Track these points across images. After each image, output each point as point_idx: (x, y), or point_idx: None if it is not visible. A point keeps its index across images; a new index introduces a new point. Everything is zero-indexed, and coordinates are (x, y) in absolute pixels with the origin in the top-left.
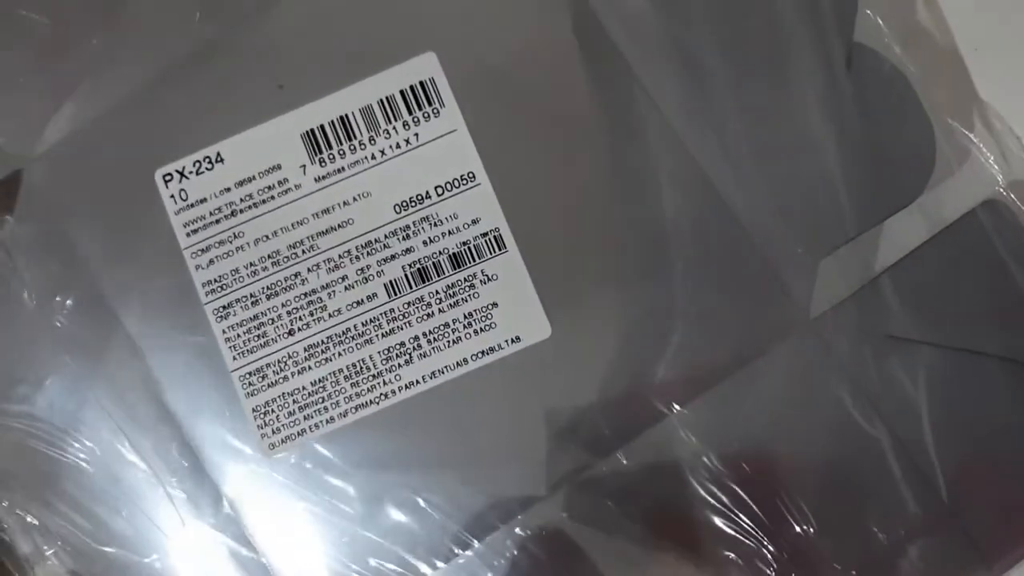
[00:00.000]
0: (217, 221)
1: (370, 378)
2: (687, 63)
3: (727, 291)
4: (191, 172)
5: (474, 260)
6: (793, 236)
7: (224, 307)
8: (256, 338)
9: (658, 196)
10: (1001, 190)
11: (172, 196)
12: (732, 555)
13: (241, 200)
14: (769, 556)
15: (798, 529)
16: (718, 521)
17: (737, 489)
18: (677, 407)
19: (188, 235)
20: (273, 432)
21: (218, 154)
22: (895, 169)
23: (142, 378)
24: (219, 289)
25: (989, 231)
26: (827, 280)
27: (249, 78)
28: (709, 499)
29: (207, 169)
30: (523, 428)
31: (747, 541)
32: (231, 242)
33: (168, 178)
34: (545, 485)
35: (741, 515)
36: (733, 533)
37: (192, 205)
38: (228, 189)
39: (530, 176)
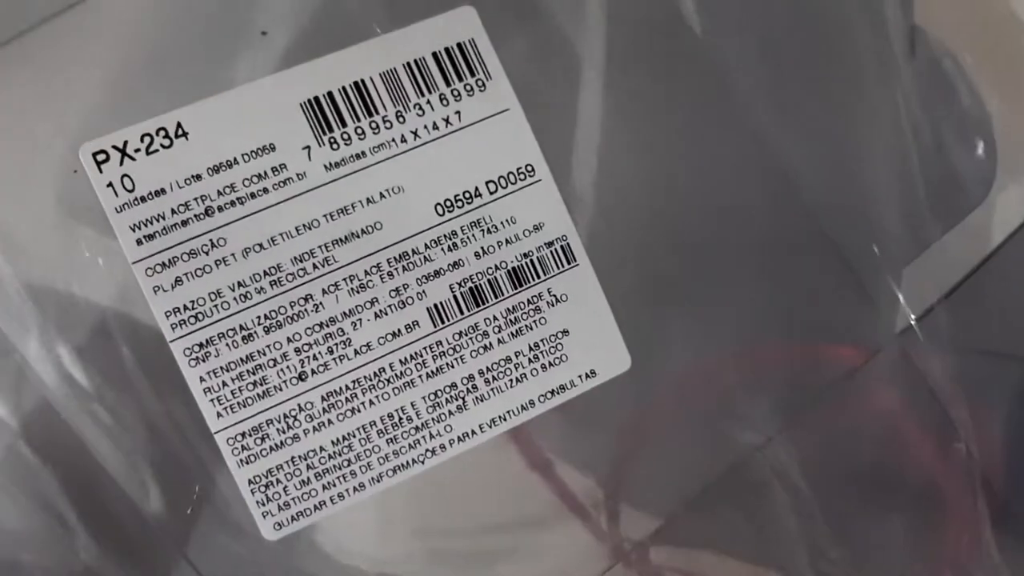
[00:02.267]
0: (184, 223)
1: (412, 431)
2: (765, 53)
3: (815, 308)
4: (138, 150)
5: (538, 276)
6: (875, 242)
7: (200, 345)
8: (251, 386)
9: (740, 198)
10: None
11: (110, 185)
12: None
13: (219, 193)
14: None
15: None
16: (812, 546)
17: (830, 516)
18: (766, 438)
19: (139, 243)
20: (279, 509)
21: (178, 125)
22: (962, 168)
23: (78, 445)
24: (192, 320)
25: None
26: (911, 291)
27: (219, 19)
28: (801, 527)
29: (163, 146)
30: (595, 479)
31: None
32: (207, 253)
33: (102, 158)
34: (618, 551)
35: (833, 542)
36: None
37: (143, 199)
38: (198, 177)
39: (601, 170)
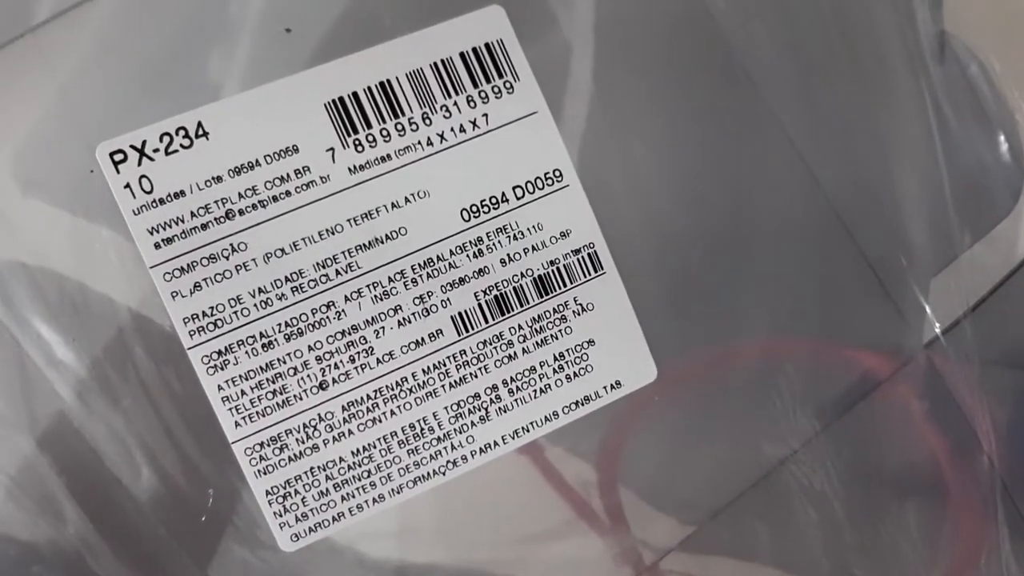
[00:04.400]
0: (204, 226)
1: (434, 442)
2: (794, 57)
3: (842, 320)
4: (156, 150)
5: (565, 285)
6: (902, 252)
7: (219, 353)
8: (270, 395)
9: (769, 208)
10: None
11: (128, 186)
12: None
13: (240, 195)
14: None
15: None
16: (836, 557)
17: (855, 528)
18: (792, 450)
19: (156, 247)
20: (297, 520)
21: (199, 125)
22: (990, 178)
23: (90, 453)
24: (211, 327)
25: None
26: (938, 302)
27: (242, 15)
28: (826, 538)
29: (183, 147)
30: (619, 492)
31: None
32: (227, 258)
33: (119, 158)
34: (646, 560)
35: (857, 554)
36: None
37: (161, 201)
38: (219, 178)
39: (630, 175)
